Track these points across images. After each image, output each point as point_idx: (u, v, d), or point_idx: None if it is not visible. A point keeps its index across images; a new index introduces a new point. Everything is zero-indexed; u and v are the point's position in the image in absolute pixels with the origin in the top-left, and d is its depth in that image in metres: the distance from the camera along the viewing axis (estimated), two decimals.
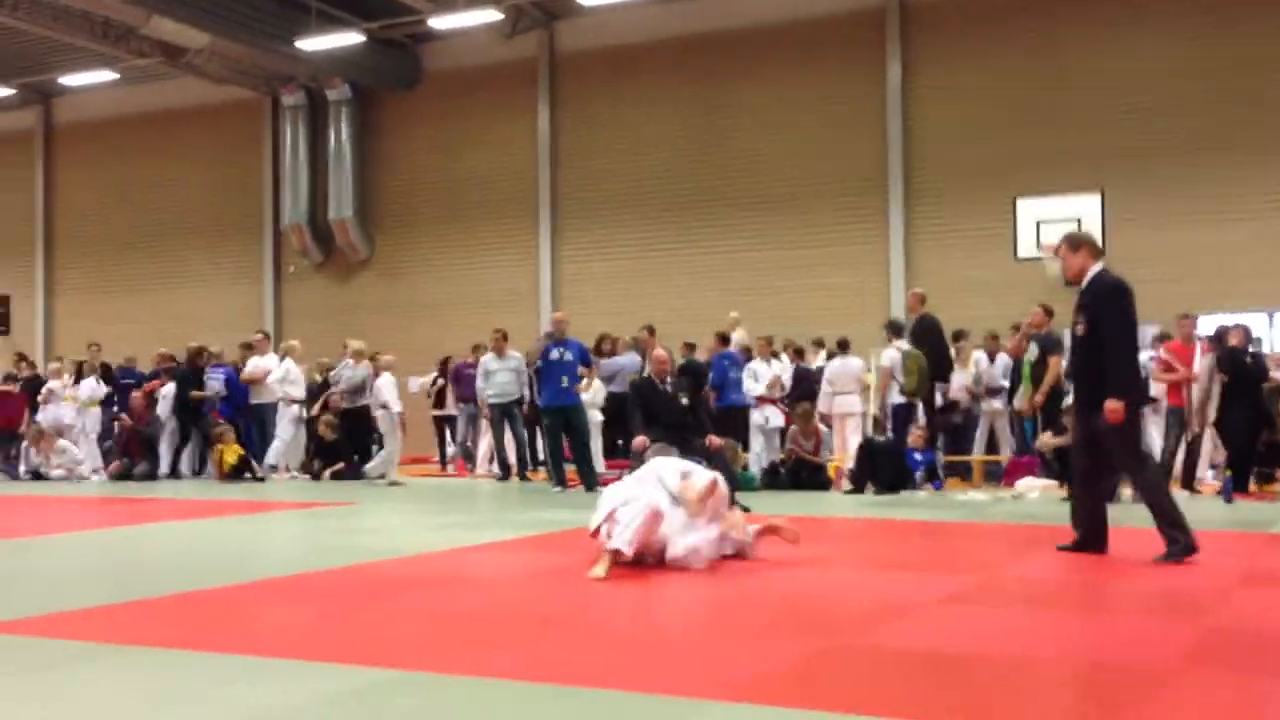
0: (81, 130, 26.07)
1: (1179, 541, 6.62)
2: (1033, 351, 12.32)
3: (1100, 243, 7.55)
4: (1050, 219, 15.24)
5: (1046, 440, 11.55)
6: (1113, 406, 6.55)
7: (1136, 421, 6.91)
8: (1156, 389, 12.39)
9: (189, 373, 16.23)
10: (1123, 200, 16.25)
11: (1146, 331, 13.27)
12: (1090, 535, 7.02)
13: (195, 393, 16.05)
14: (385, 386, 14.76)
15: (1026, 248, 15.43)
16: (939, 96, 18.86)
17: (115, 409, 17.23)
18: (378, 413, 14.93)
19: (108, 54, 21.94)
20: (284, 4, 20.54)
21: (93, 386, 17.20)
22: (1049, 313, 12.67)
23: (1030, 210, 15.61)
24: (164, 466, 16.03)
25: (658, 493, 6.44)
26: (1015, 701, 3.63)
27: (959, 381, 14.07)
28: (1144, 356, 12.40)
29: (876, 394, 13.92)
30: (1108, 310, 6.67)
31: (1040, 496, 11.51)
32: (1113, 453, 6.89)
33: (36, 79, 24.63)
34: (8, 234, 26.54)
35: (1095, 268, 6.88)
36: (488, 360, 14.94)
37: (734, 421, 13.51)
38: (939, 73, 18.90)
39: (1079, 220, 15.14)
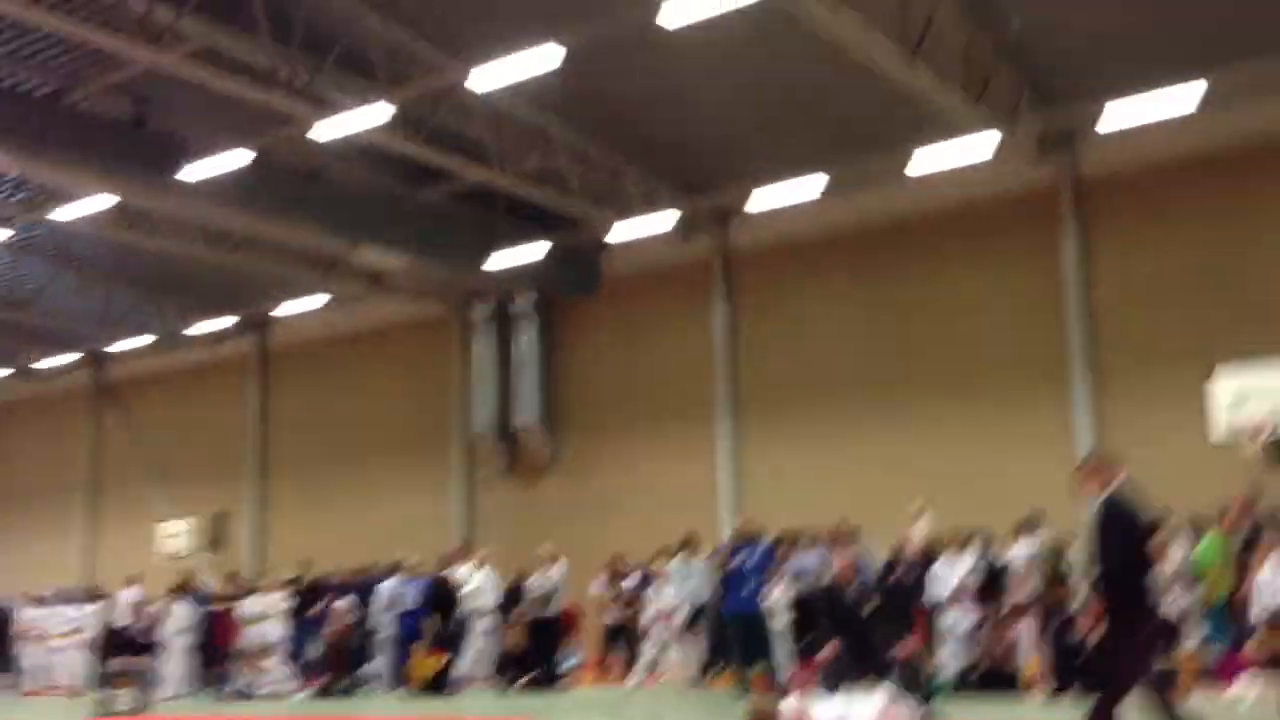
0: (291, 353, 28.00)
1: None
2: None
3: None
4: (1247, 396, 14.48)
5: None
6: None
7: None
8: None
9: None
10: None
11: None
12: None
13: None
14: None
15: (1220, 433, 14.66)
16: (1120, 270, 18.33)
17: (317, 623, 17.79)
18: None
19: (317, 282, 23.73)
20: (473, 225, 21.83)
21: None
22: (1251, 502, 11.95)
23: (1224, 387, 14.85)
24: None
25: None
26: None
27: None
28: None
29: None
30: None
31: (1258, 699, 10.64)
32: None
33: (254, 310, 26.74)
34: (223, 456, 28.33)
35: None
36: (676, 565, 14.97)
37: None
38: (1118, 245, 18.45)
39: (1277, 402, 14.30)
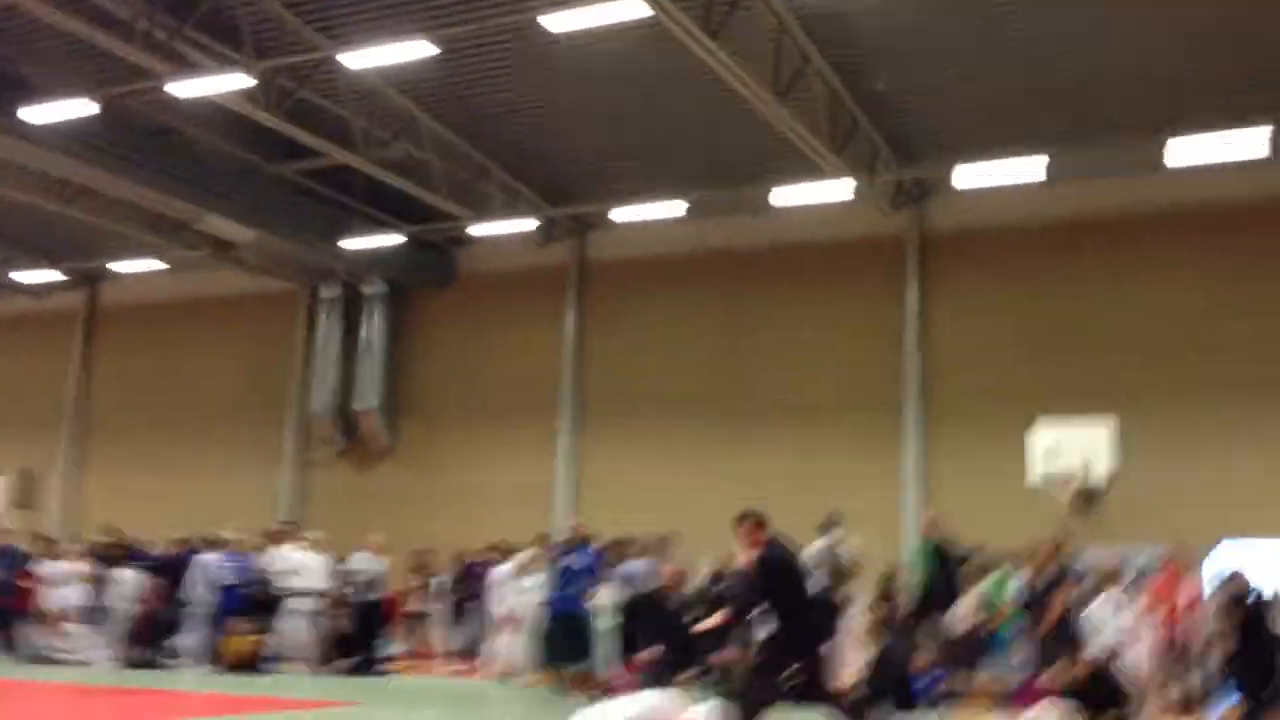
0: (123, 313, 27.00)
1: None
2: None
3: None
4: (1061, 449, 15.51)
5: (1050, 680, 11.50)
6: None
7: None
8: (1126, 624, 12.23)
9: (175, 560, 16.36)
10: (1138, 426, 16.51)
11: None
12: None
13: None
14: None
15: (1036, 477, 15.65)
16: (953, 320, 19.43)
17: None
18: None
19: (158, 245, 22.92)
20: (328, 205, 21.57)
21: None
22: (1056, 546, 12.82)
23: (1043, 438, 15.86)
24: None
25: None
26: None
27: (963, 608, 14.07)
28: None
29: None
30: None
31: None
32: None
33: (86, 265, 25.64)
34: (40, 411, 27.11)
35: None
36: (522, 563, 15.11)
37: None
38: (954, 297, 19.52)
39: (1089, 451, 15.42)
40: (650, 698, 6.80)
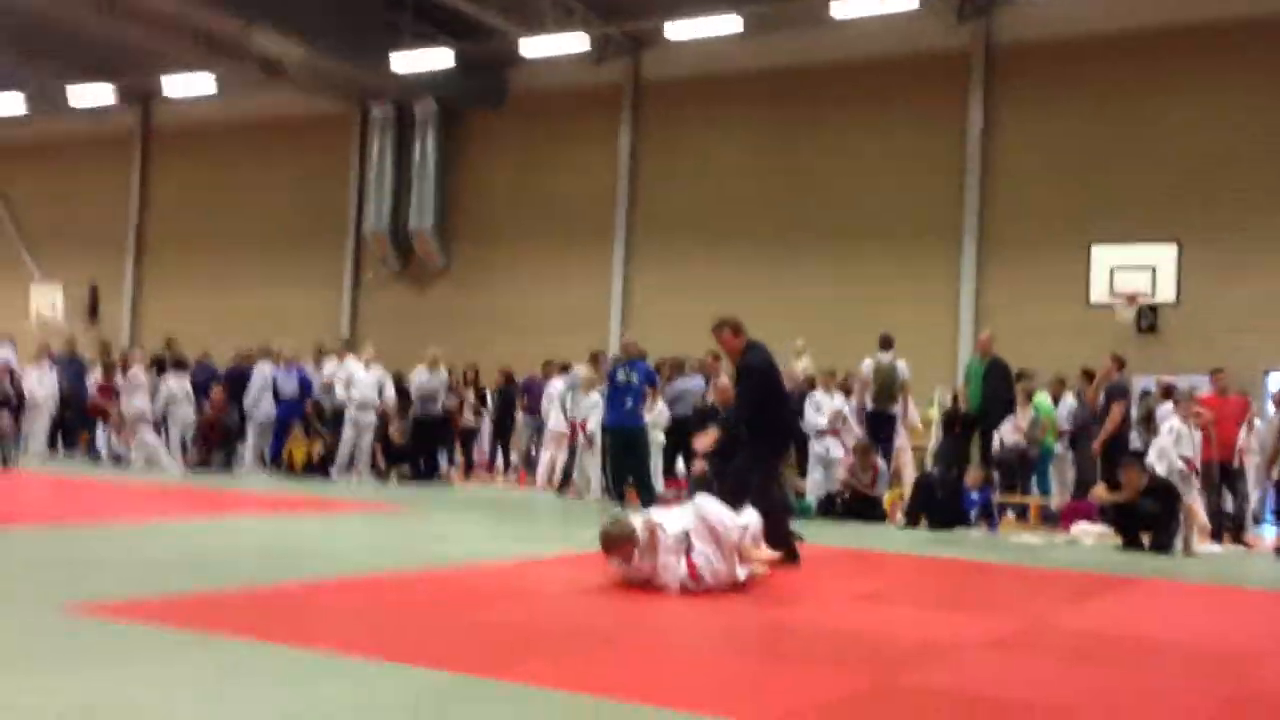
0: (178, 134, 27.02)
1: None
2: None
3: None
4: (1125, 265, 15.23)
5: (1100, 493, 11.54)
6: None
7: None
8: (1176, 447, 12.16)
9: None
10: (1198, 251, 16.18)
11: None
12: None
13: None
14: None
15: (1100, 294, 15.42)
16: (1019, 140, 18.90)
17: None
18: None
19: (208, 62, 22.72)
20: (378, 22, 21.14)
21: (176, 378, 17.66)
22: (1119, 363, 12.69)
23: (1105, 257, 15.60)
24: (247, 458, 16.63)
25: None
26: None
27: (1014, 422, 14.12)
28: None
29: (855, 399, 14.32)
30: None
31: (1095, 544, 11.52)
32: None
33: (137, 81, 25.51)
34: (101, 230, 27.51)
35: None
36: (576, 379, 15.27)
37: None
38: (1020, 117, 18.94)
39: (1154, 269, 15.16)
40: (705, 503, 6.90)
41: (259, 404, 16.79)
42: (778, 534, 7.53)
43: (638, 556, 6.51)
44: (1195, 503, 11.76)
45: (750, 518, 7.06)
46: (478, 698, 3.98)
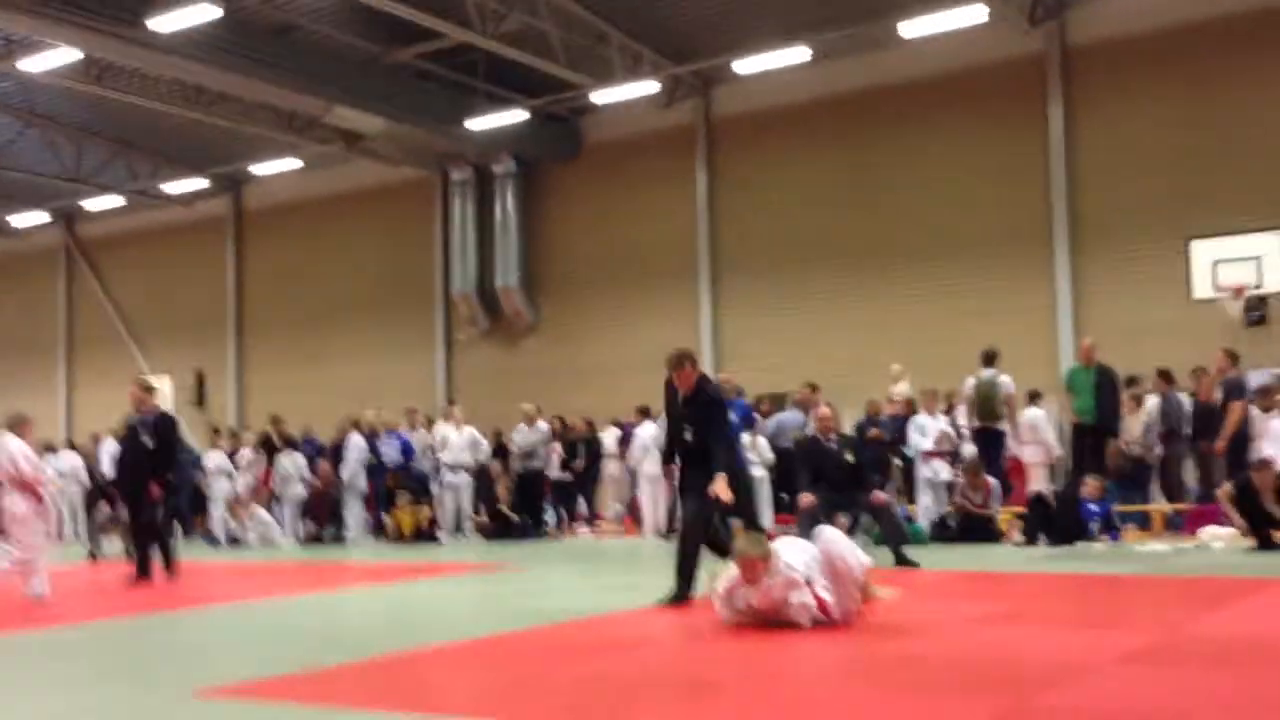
0: (268, 214, 27.76)
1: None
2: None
3: None
4: (1227, 258, 14.77)
5: (1226, 490, 11.13)
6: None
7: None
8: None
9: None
10: None
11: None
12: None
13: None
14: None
15: (1203, 289, 14.97)
16: (1103, 140, 18.46)
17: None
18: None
19: (293, 143, 23.40)
20: (452, 86, 21.57)
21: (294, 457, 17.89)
22: (1233, 357, 12.26)
23: (1206, 251, 15.16)
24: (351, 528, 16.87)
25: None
26: None
27: (1135, 429, 13.70)
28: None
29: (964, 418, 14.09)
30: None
31: (1225, 546, 11.09)
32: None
33: (228, 169, 26.36)
34: (202, 314, 28.31)
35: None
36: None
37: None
38: (1102, 115, 18.52)
39: (1259, 258, 14.69)
40: (826, 533, 6.78)
41: (356, 476, 17.08)
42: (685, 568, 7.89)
43: (766, 582, 6.40)
44: None
45: (869, 556, 6.90)
46: None
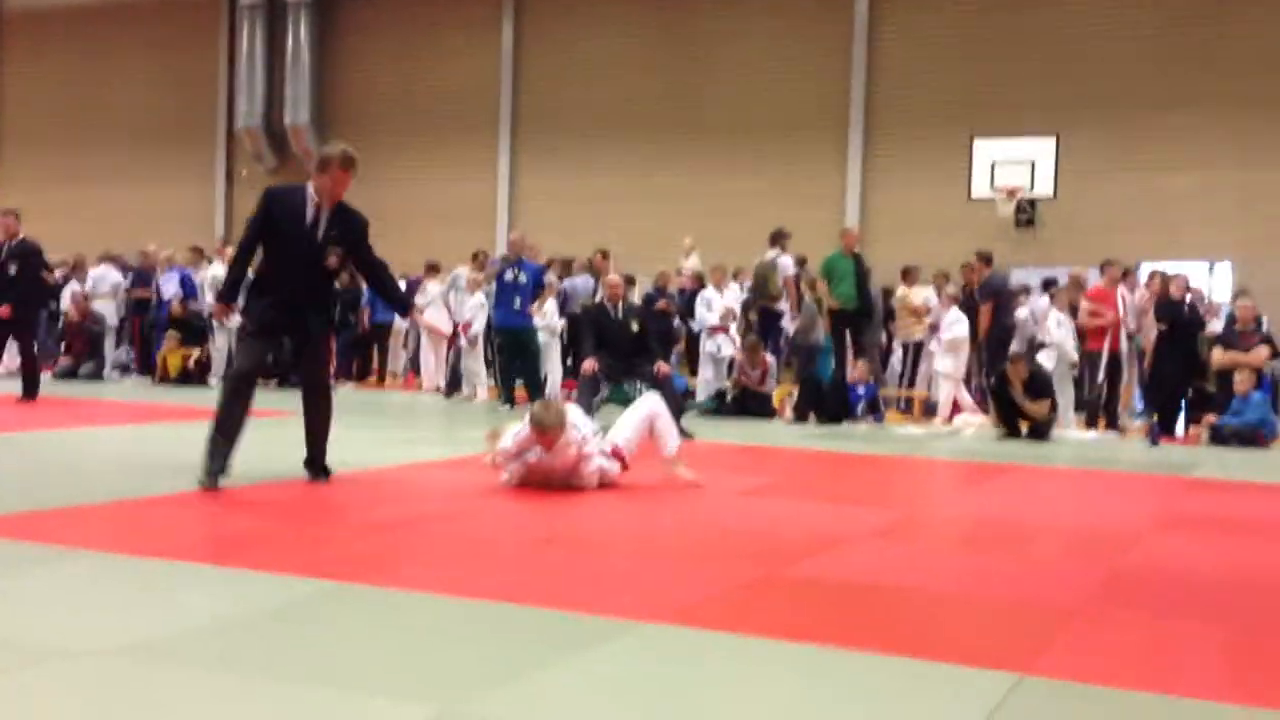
0: (33, 19, 25.37)
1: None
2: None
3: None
4: (1006, 160, 15.42)
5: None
6: None
7: None
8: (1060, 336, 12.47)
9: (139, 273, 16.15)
10: (1076, 146, 16.46)
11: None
12: None
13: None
14: None
15: (981, 188, 15.60)
16: (904, 34, 18.86)
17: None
18: None
19: None
20: None
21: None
22: (985, 259, 12.92)
23: (986, 151, 15.77)
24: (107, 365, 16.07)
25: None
26: (941, 633, 3.83)
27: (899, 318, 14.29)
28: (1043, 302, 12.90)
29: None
30: None
31: (975, 433, 11.80)
32: None
33: None
34: None
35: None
36: (459, 279, 14.98)
37: None
38: (905, 10, 18.87)
39: (1033, 163, 15.37)
40: (655, 404, 6.99)
41: (105, 309, 16.30)
42: None
43: (558, 448, 6.43)
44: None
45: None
46: (348, 602, 3.84)
